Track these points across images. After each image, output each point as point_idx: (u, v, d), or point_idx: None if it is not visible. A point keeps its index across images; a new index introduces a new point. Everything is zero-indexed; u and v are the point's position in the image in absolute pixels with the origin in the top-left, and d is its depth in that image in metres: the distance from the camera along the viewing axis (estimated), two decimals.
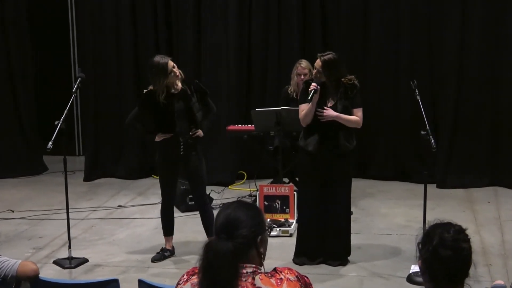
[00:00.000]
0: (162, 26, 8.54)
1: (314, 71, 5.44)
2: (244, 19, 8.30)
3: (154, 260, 5.68)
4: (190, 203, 6.88)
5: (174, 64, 5.51)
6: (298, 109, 5.55)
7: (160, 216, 5.87)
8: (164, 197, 5.80)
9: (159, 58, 5.48)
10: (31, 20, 9.31)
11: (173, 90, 5.55)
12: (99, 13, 8.67)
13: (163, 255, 5.74)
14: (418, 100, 5.45)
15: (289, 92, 7.05)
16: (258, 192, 6.72)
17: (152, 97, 5.52)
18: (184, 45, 8.41)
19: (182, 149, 5.57)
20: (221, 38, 8.30)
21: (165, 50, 8.51)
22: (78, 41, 9.63)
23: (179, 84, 5.57)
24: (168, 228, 5.83)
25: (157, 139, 5.60)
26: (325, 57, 5.31)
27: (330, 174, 5.40)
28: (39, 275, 3.69)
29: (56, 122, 5.41)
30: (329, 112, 5.31)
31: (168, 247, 5.80)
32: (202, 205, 5.81)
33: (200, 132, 5.62)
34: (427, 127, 5.24)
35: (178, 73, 5.52)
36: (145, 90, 5.64)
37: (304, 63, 6.94)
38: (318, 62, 5.35)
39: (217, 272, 2.27)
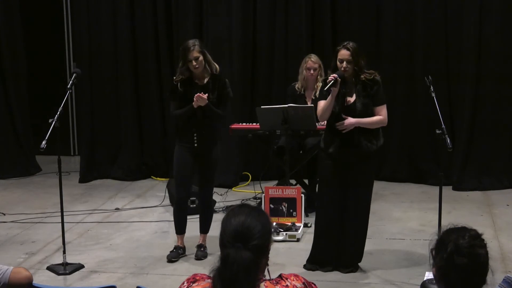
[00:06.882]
0: (161, 17, 8.55)
1: (343, 64, 5.26)
2: (248, 9, 8.30)
3: (171, 258, 5.75)
4: (191, 206, 6.89)
5: (199, 55, 5.60)
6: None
7: (173, 214, 5.98)
8: (178, 192, 5.86)
9: (188, 41, 5.70)
10: (24, 13, 9.32)
11: (196, 81, 5.73)
12: (95, 3, 8.69)
13: (177, 252, 5.83)
14: (433, 97, 5.45)
15: (296, 88, 7.06)
16: (263, 194, 6.73)
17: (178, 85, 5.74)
18: (184, 37, 8.39)
19: (196, 141, 5.69)
20: (224, 29, 8.31)
21: (164, 44, 8.53)
22: (73, 34, 9.63)
23: (206, 78, 5.72)
24: (180, 226, 5.91)
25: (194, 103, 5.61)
26: (351, 45, 5.28)
27: (351, 177, 5.38)
28: (33, 282, 3.71)
29: (50, 120, 5.42)
30: (349, 121, 5.28)
31: (180, 245, 5.89)
32: (206, 206, 5.95)
33: (204, 97, 5.56)
34: (443, 126, 5.23)
35: (199, 65, 5.62)
36: (174, 78, 5.81)
37: (314, 57, 7.01)
38: (344, 53, 5.27)
39: (242, 283, 2.30)
